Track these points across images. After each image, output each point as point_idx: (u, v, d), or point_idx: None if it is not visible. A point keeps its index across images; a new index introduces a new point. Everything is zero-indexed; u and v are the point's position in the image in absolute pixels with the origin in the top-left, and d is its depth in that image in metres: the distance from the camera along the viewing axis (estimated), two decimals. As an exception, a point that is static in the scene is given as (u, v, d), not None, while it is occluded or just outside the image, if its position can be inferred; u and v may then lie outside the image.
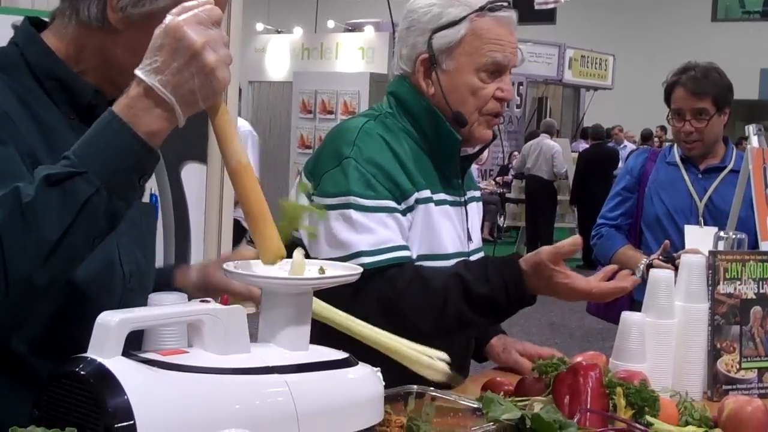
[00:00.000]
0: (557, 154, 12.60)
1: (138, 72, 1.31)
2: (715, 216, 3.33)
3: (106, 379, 1.12)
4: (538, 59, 15.66)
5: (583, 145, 14.75)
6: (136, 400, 1.11)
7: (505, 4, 2.19)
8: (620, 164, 14.35)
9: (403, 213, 2.12)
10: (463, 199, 2.31)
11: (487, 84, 2.18)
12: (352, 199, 2.05)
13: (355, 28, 12.55)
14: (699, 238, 3.25)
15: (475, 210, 2.40)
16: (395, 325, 1.74)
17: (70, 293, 1.45)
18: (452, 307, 2.01)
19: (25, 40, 1.56)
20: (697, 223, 3.34)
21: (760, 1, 22.47)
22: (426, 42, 2.16)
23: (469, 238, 2.31)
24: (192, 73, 1.30)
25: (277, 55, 15.00)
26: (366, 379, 1.40)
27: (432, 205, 2.18)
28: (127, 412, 1.10)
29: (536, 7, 14.16)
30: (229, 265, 1.37)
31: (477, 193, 2.43)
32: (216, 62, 1.31)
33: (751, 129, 2.92)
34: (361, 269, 1.43)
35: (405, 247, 2.09)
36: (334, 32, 15.11)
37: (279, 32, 15.39)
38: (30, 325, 1.44)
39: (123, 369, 1.14)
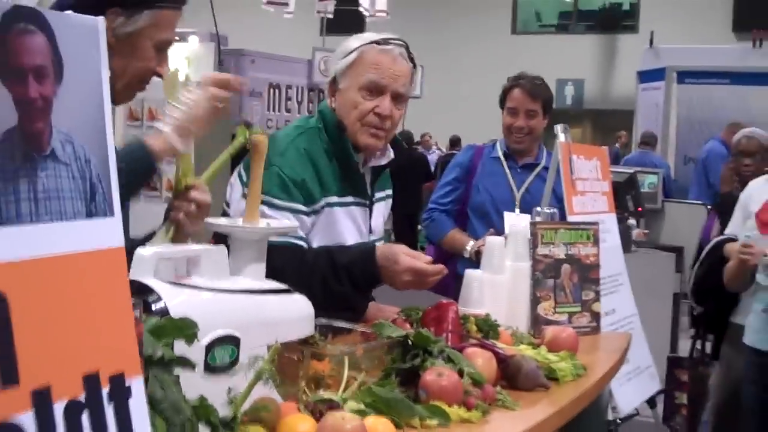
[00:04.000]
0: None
1: None
2: (529, 205, 3.91)
3: (148, 291, 1.63)
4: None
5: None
6: (170, 305, 1.63)
7: (394, 41, 2.72)
8: (431, 168, 15.24)
9: (308, 215, 2.62)
10: (368, 201, 2.82)
11: (366, 100, 2.68)
12: (266, 198, 2.47)
13: (181, 38, 12.89)
14: (516, 223, 3.92)
15: (382, 208, 2.90)
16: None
17: None
18: (318, 275, 2.52)
19: None
20: (514, 211, 4.00)
21: (556, 16, 23.84)
22: (334, 69, 2.72)
23: (371, 231, 2.83)
24: None
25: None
26: (303, 302, 1.95)
27: (337, 207, 2.69)
28: (166, 314, 1.61)
29: (367, 18, 14.65)
30: (209, 219, 1.91)
31: (387, 192, 2.95)
32: None
33: (559, 128, 3.58)
34: (296, 224, 1.99)
35: (301, 238, 2.60)
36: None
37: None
38: None
39: (157, 285, 1.65)
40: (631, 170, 7.60)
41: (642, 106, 13.54)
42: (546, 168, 3.96)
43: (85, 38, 0.98)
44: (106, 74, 0.99)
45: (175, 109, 2.06)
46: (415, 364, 2.13)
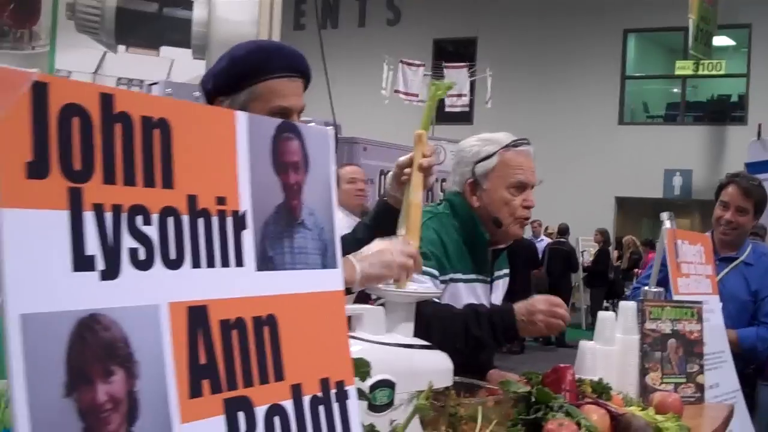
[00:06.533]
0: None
1: None
2: (722, 295, 4.09)
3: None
4: (458, 158, 16.75)
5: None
6: (342, 352, 2.00)
7: (524, 141, 3.10)
8: (539, 255, 15.50)
9: (440, 281, 2.97)
10: (489, 279, 3.19)
11: (515, 197, 3.07)
12: None
13: (300, 126, 13.55)
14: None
15: (500, 285, 3.28)
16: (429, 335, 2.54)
17: None
18: (461, 320, 2.84)
19: None
20: None
21: (663, 107, 24.02)
22: (471, 171, 3.09)
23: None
24: None
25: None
26: (444, 357, 2.30)
27: (461, 283, 3.06)
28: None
29: (446, 109, 16.00)
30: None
31: (505, 271, 3.33)
32: None
33: (665, 215, 3.89)
34: (440, 291, 2.35)
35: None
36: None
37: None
38: None
39: (332, 335, 2.03)
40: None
41: (750, 197, 13.55)
42: (745, 263, 4.23)
43: (321, 142, 1.37)
44: (333, 167, 1.39)
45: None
46: (538, 416, 2.46)
